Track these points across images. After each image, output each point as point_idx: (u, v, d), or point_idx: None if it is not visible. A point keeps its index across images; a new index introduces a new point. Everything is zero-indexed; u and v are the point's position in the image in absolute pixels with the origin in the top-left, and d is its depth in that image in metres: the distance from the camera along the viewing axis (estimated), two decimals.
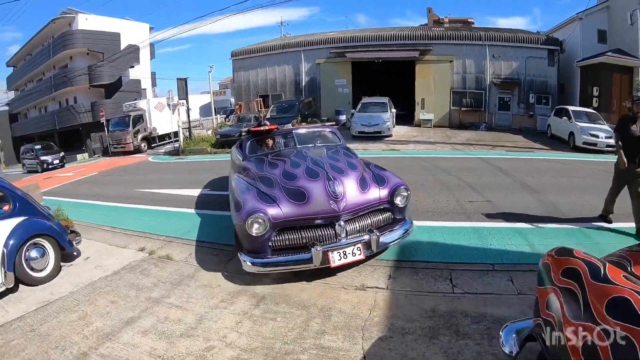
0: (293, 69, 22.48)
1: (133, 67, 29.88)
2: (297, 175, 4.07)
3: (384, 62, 20.19)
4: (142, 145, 20.70)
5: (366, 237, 3.75)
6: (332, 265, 3.61)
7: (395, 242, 4.03)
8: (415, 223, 4.41)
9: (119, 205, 8.04)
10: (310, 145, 5.57)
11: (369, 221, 3.95)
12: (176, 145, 17.96)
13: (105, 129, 21.72)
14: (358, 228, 3.86)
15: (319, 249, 3.58)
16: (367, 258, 3.90)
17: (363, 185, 4.03)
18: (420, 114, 19.52)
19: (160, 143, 21.78)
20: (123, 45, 27.86)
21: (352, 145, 6.85)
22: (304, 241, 3.75)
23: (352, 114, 16.14)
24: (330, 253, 3.60)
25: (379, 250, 3.91)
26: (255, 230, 3.61)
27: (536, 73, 19.30)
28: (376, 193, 4.03)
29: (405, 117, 19.90)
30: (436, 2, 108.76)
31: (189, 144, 17.36)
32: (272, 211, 3.68)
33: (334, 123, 8.67)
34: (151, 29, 31.42)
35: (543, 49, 19.15)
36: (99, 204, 8.54)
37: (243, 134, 6.77)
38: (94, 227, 6.38)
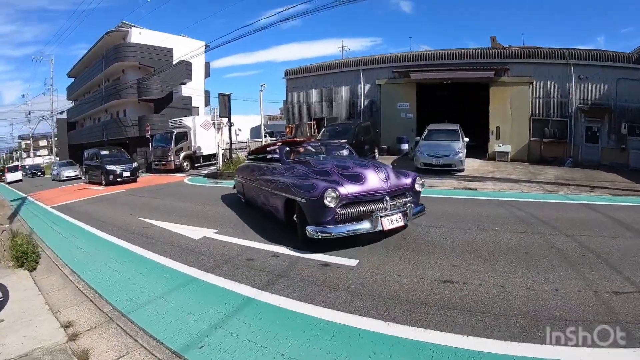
0: (351, 90, 20.55)
1: (185, 83, 29.54)
2: (349, 166, 5.32)
3: (451, 85, 17.81)
4: (185, 164, 19.64)
5: (404, 208, 5.08)
6: (385, 229, 4.73)
7: (419, 214, 5.45)
8: (541, 353, 2.66)
9: (105, 237, 6.90)
10: (337, 153, 7.10)
11: (402, 200, 5.21)
12: (216, 167, 16.65)
13: (150, 144, 21.04)
14: (397, 204, 5.09)
15: (378, 214, 4.73)
16: (405, 225, 5.39)
17: (396, 174, 5.39)
18: (495, 145, 16.79)
19: (205, 163, 20.51)
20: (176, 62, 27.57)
21: None
22: (361, 213, 4.77)
23: (417, 143, 13.93)
24: (382, 220, 4.72)
25: (409, 220, 5.24)
26: (330, 202, 4.52)
27: (628, 98, 16.10)
28: (404, 180, 5.38)
29: (476, 148, 17.25)
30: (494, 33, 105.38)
31: (228, 167, 15.85)
32: (341, 188, 4.71)
33: (344, 140, 9.67)
34: (207, 47, 30.80)
35: (636, 68, 15.93)
36: (89, 230, 7.64)
37: (249, 156, 8.99)
38: (58, 266, 5.43)
